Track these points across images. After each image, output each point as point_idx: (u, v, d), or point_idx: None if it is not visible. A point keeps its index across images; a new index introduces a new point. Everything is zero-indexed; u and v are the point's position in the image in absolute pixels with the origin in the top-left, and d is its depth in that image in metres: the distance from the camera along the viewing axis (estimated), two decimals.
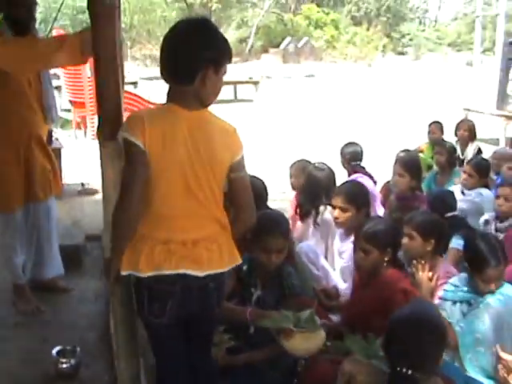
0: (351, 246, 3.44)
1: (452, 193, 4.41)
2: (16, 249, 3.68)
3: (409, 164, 4.43)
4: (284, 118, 10.39)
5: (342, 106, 13.75)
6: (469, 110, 10.07)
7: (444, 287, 3.18)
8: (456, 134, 6.54)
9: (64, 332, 3.61)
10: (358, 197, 3.67)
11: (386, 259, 3.06)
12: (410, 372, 2.07)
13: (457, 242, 3.71)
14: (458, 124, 6.63)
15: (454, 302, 3.10)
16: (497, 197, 4.06)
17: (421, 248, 3.28)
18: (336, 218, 3.68)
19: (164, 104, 2.15)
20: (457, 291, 3.14)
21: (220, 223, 2.22)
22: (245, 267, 3.03)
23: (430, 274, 3.08)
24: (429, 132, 6.69)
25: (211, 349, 2.56)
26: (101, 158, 2.20)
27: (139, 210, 2.08)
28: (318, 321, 2.74)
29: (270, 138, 9.46)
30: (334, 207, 3.71)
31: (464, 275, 3.14)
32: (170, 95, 2.14)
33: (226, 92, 14.35)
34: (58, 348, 3.25)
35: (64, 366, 3.17)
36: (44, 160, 3.63)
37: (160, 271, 2.10)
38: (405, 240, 3.28)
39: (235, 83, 15.05)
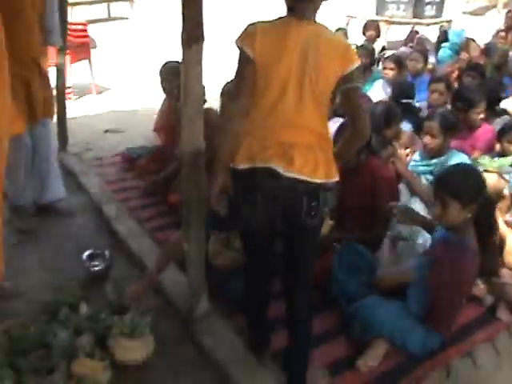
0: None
1: (409, 83, 5.21)
2: (19, 171, 3.74)
3: None
4: (162, 36, 10.40)
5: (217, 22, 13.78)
6: (351, 16, 10.74)
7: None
8: (364, 34, 7.30)
9: (72, 243, 3.81)
10: None
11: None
12: None
13: (407, 126, 4.48)
14: (366, 25, 7.39)
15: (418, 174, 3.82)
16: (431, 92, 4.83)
17: None
18: None
19: (283, 16, 2.27)
20: (416, 165, 3.87)
21: (320, 135, 2.29)
22: None
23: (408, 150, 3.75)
24: None
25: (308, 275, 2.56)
26: (184, 59, 2.45)
27: (242, 109, 2.29)
28: None
29: (147, 57, 9.53)
30: None
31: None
32: (291, 8, 2.24)
33: (98, 10, 13.93)
34: (87, 252, 3.50)
35: (97, 268, 3.43)
36: (42, 82, 3.67)
37: (253, 164, 2.26)
38: None
39: (109, 1, 14.18)
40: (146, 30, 12.50)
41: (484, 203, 2.68)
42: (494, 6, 15.01)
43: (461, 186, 2.63)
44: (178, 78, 4.40)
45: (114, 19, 14.29)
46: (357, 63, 2.22)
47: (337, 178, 2.34)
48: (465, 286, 2.81)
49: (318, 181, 2.26)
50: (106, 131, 6.16)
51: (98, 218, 4.22)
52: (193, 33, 2.37)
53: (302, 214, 2.30)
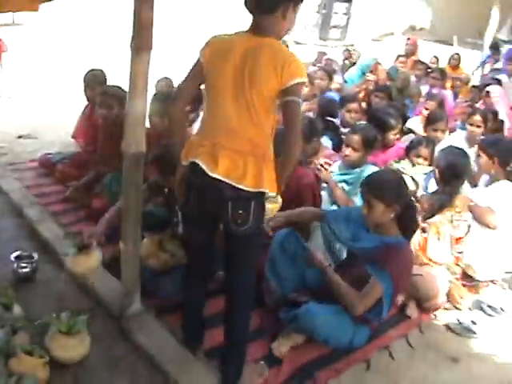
0: None
1: (334, 101, 5.66)
2: None
3: None
4: (63, 43, 10.44)
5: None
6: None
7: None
8: None
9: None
10: None
11: None
12: None
13: (327, 142, 4.83)
14: None
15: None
16: None
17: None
18: None
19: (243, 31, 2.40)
20: (334, 176, 4.15)
21: (255, 145, 2.35)
22: None
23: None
24: None
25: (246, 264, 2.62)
26: (132, 67, 2.55)
27: (180, 110, 2.50)
28: None
29: (51, 62, 9.55)
30: None
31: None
32: (250, 25, 2.37)
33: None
34: (15, 254, 3.46)
35: (24, 270, 3.39)
36: None
37: (187, 160, 2.45)
38: None
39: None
40: (45, 37, 12.37)
41: (407, 205, 2.98)
42: (392, 33, 15.98)
43: (384, 189, 2.92)
44: (101, 86, 4.60)
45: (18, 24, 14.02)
46: (299, 78, 2.26)
47: (268, 189, 2.36)
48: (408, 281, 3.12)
49: (245, 188, 2.31)
50: (20, 137, 6.03)
51: (20, 221, 4.15)
52: (143, 41, 2.48)
53: (228, 220, 2.39)
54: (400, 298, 3.61)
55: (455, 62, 9.25)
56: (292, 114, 2.31)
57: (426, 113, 5.65)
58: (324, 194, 4.00)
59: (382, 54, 9.22)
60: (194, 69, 2.44)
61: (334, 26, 11.00)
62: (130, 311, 3.03)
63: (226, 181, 2.32)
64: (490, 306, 3.79)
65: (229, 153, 2.34)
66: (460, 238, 3.82)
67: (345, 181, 4.08)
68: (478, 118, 5.28)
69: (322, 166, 4.07)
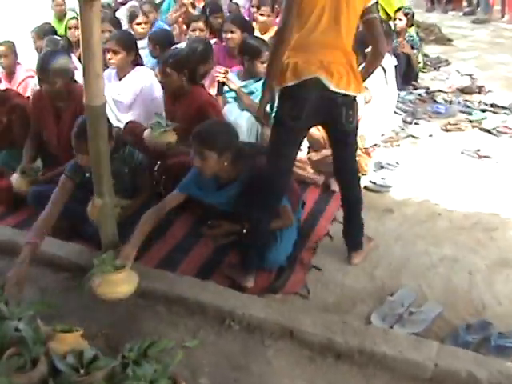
0: None
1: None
2: None
3: None
4: None
5: None
6: None
7: None
8: None
9: None
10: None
11: (183, 79, 3.87)
12: None
13: None
14: None
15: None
16: None
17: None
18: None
19: None
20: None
21: (350, 55, 2.80)
22: None
23: None
24: (55, 5, 7.24)
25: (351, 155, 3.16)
26: (83, 17, 2.44)
27: (287, 38, 2.72)
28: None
29: None
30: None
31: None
32: None
33: None
34: None
35: None
36: None
37: (299, 79, 2.72)
38: None
39: None
40: None
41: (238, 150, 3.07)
42: None
43: (215, 138, 2.94)
44: None
45: None
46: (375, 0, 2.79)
47: (359, 92, 2.88)
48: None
49: (351, 93, 2.80)
50: None
51: None
52: None
53: (343, 122, 2.86)
54: (320, 179, 4.09)
55: None
56: (377, 26, 2.88)
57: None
58: (232, 104, 4.20)
59: None
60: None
61: None
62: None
63: (339, 91, 2.75)
64: (388, 164, 4.45)
65: (336, 66, 2.74)
66: None
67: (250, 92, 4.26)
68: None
69: (223, 73, 4.22)
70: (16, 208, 3.84)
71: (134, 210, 3.32)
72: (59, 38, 5.34)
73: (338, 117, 2.85)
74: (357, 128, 3.03)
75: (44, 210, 3.03)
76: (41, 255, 3.17)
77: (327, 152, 3.94)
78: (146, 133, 3.72)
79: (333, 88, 2.73)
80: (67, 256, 3.22)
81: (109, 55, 4.21)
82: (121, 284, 2.65)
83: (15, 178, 3.72)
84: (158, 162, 3.81)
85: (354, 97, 2.88)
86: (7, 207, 3.89)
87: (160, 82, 4.02)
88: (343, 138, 3.03)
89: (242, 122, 4.09)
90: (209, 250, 3.36)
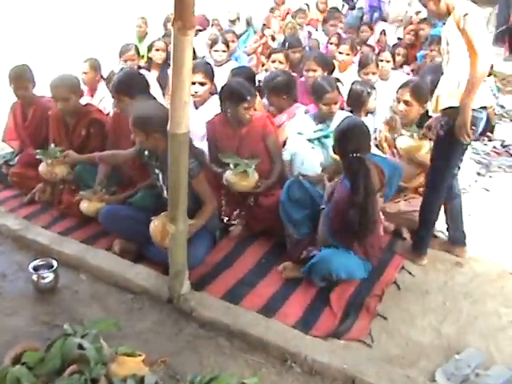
0: None
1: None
2: None
3: None
4: None
5: None
6: None
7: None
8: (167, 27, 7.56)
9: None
10: None
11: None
12: (357, 155, 3.12)
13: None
14: (168, 16, 7.64)
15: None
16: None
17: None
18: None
19: None
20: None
21: None
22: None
23: None
24: (137, 26, 7.48)
25: None
26: (175, 46, 2.52)
27: None
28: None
29: None
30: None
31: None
32: None
33: None
34: (32, 264, 3.29)
35: (47, 280, 3.23)
36: None
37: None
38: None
39: None
40: None
41: None
42: None
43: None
44: (31, 83, 4.38)
45: None
46: None
47: None
48: None
49: None
50: None
51: None
52: (186, 20, 2.46)
53: None
54: (391, 226, 4.00)
55: (323, 6, 9.68)
56: None
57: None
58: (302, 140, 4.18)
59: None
60: None
61: None
62: (183, 291, 3.06)
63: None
64: None
65: None
66: None
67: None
68: (387, 54, 5.74)
69: None
70: (86, 222, 3.92)
71: (201, 225, 3.33)
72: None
73: None
74: None
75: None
76: (108, 274, 3.23)
77: (405, 207, 3.94)
78: (229, 176, 3.71)
79: None
80: (133, 278, 3.23)
81: (195, 87, 4.28)
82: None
83: (84, 200, 3.79)
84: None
85: None
86: (78, 221, 3.97)
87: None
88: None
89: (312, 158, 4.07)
90: (276, 286, 3.31)
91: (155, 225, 3.20)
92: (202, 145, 4.23)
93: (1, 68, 4.83)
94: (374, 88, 4.66)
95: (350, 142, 3.15)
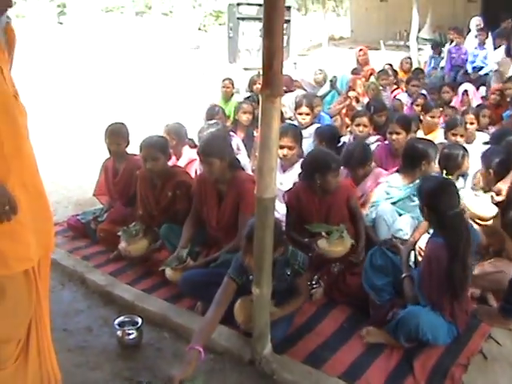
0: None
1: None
2: None
3: None
4: None
5: None
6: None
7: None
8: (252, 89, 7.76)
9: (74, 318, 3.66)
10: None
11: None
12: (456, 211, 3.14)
13: None
14: (253, 78, 7.85)
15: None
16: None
17: None
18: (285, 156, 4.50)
19: None
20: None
21: None
22: None
23: None
24: (223, 87, 7.70)
25: None
26: (264, 113, 2.62)
27: None
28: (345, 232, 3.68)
29: None
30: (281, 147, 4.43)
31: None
32: None
33: None
34: (118, 320, 3.39)
35: (132, 336, 3.30)
36: None
37: None
38: None
39: None
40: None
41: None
42: (319, 45, 16.24)
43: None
44: (125, 140, 4.62)
45: None
46: None
47: None
48: None
49: None
50: None
51: (84, 288, 4.05)
52: (275, 88, 2.56)
53: None
54: (476, 292, 3.86)
55: (408, 66, 9.75)
56: None
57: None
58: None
59: (315, 67, 9.48)
60: None
61: None
62: (264, 353, 3.05)
63: None
64: None
65: None
66: None
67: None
68: (471, 116, 5.68)
69: None
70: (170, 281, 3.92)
71: (284, 314, 3.30)
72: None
73: None
74: None
75: (207, 314, 3.10)
76: (190, 333, 3.27)
77: (490, 268, 3.79)
78: (325, 244, 3.71)
79: None
80: (215, 338, 3.25)
81: (284, 151, 4.37)
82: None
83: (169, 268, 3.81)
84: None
85: None
86: (162, 279, 3.98)
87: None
88: None
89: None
90: (358, 351, 3.25)
91: (240, 305, 3.24)
92: (283, 207, 4.29)
93: (101, 125, 5.07)
94: (467, 150, 4.60)
95: (446, 198, 3.18)
